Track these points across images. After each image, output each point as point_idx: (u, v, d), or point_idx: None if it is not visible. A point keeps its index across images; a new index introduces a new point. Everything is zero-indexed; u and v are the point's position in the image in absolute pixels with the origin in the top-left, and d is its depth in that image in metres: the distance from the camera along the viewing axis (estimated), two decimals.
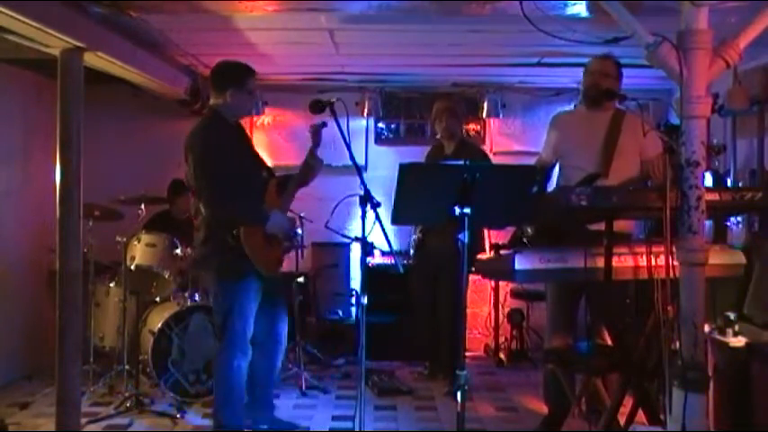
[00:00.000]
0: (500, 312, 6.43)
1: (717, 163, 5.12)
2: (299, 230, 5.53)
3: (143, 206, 5.01)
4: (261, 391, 4.17)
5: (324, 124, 3.96)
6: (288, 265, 5.74)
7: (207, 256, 3.91)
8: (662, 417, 3.35)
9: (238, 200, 3.83)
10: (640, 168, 3.89)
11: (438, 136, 5.39)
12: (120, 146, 6.24)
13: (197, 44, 5.10)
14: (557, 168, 4.17)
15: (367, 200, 3.28)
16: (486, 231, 5.49)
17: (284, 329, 4.23)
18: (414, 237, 5.54)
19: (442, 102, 5.46)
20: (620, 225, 3.50)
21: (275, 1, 3.98)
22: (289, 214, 5.65)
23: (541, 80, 6.35)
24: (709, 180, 4.63)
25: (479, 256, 3.76)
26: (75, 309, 4.02)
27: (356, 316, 6.19)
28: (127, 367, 4.87)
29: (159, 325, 4.72)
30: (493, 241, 5.16)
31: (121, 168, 6.01)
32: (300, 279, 5.71)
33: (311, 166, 4.11)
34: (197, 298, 4.83)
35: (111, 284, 5.20)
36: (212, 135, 3.85)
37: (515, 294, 6.43)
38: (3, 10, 3.29)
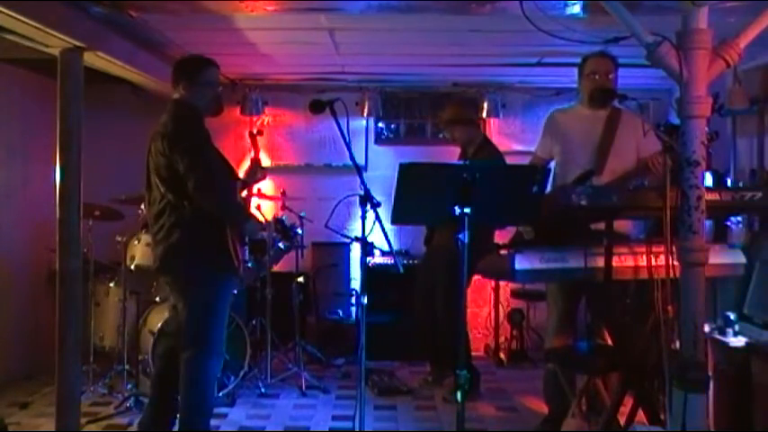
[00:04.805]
0: (500, 312, 6.44)
1: (711, 151, 5.08)
2: (300, 230, 5.55)
3: (143, 206, 4.99)
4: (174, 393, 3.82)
5: (260, 132, 4.37)
6: (288, 265, 5.77)
7: (188, 257, 3.65)
8: (662, 417, 3.35)
9: (231, 195, 3.77)
10: (636, 165, 3.90)
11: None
12: (120, 146, 6.21)
13: (197, 44, 5.09)
14: (552, 165, 4.16)
15: (367, 200, 3.28)
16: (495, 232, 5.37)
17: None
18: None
19: (443, 112, 5.29)
20: (618, 225, 3.51)
21: (275, 1, 3.98)
22: (289, 214, 5.70)
23: (541, 80, 6.36)
24: (709, 180, 4.63)
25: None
26: (75, 309, 4.02)
27: (356, 316, 6.20)
28: (127, 367, 4.87)
29: (159, 325, 4.71)
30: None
31: (121, 168, 5.97)
32: (300, 279, 5.71)
33: (256, 173, 4.10)
34: None
35: (111, 284, 5.19)
36: (198, 127, 3.71)
37: (515, 294, 6.43)
38: (3, 10, 3.29)
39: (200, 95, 3.76)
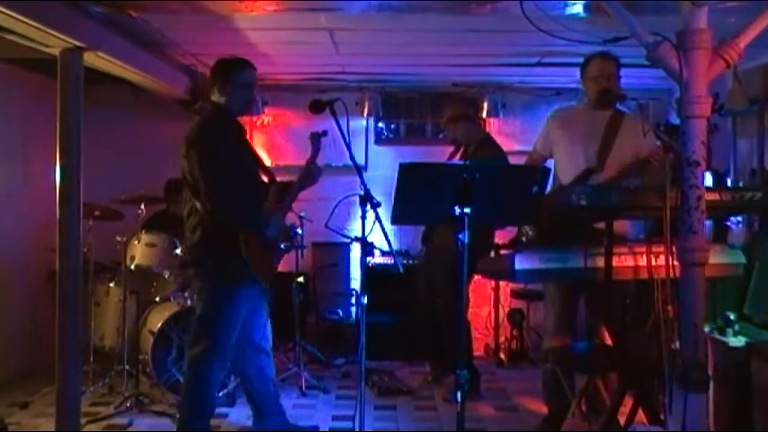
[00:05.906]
0: (500, 312, 6.43)
1: (710, 146, 5.04)
2: (299, 230, 5.55)
3: (143, 206, 5.01)
4: (263, 399, 4.09)
5: (325, 133, 3.99)
6: (288, 265, 5.77)
7: (203, 258, 3.73)
8: (662, 417, 3.35)
9: (242, 203, 3.70)
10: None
11: None
12: (120, 146, 6.24)
13: (197, 44, 5.10)
14: (552, 164, 4.15)
15: (367, 200, 3.28)
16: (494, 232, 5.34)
17: (270, 335, 4.10)
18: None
19: (446, 111, 5.31)
20: (615, 226, 3.50)
21: (275, 1, 3.98)
22: (289, 214, 5.68)
23: (541, 80, 6.36)
24: (709, 180, 4.63)
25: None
26: (75, 309, 4.02)
27: (356, 316, 6.20)
28: (127, 367, 4.87)
29: (159, 325, 4.72)
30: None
31: (121, 168, 6.01)
32: (300, 279, 5.71)
33: (311, 175, 4.00)
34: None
35: (111, 284, 5.20)
36: (217, 132, 3.71)
37: (515, 294, 6.43)
38: (3, 10, 3.29)
39: (234, 97, 3.76)
